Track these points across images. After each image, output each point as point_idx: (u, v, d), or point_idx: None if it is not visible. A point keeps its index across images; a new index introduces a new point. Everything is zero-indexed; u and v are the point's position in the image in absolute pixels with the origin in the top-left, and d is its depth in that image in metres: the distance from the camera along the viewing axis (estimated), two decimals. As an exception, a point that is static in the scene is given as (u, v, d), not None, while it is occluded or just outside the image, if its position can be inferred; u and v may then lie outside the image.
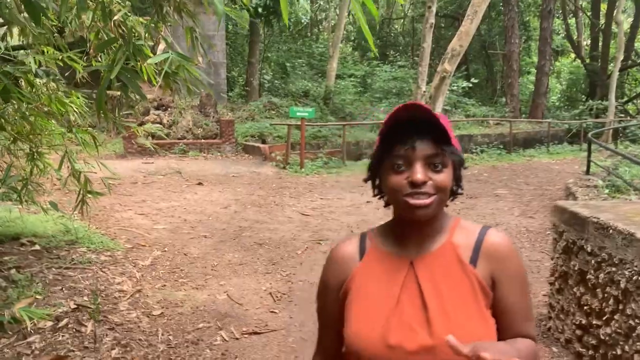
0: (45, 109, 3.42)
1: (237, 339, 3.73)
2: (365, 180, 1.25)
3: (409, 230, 1.18)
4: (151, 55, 2.69)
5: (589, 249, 3.23)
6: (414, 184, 1.08)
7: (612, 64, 22.60)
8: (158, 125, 12.99)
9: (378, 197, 1.25)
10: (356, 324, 1.14)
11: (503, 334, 1.15)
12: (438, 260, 1.15)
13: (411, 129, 1.10)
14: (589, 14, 27.01)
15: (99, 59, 3.35)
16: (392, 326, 1.09)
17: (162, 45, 2.29)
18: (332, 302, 1.23)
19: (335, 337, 1.23)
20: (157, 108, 14.04)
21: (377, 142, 1.17)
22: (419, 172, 1.08)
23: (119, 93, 3.80)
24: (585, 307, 3.28)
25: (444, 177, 1.11)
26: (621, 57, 20.43)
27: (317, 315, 1.33)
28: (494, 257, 1.16)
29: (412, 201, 1.09)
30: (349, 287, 1.20)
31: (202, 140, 13.86)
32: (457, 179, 1.20)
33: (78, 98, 3.52)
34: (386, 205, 1.24)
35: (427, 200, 1.09)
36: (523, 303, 1.18)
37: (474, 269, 1.14)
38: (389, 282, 1.15)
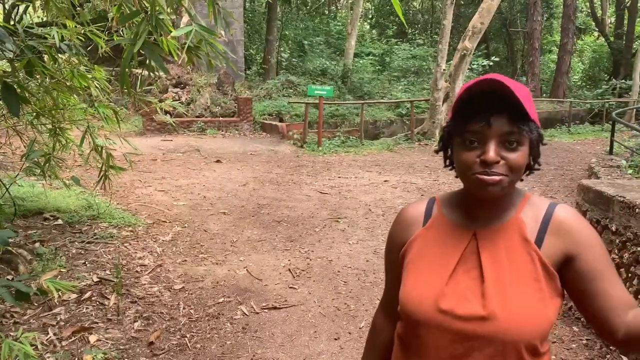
0: (68, 84, 3.43)
1: (257, 313, 3.77)
2: (437, 152, 1.24)
3: (476, 203, 1.15)
4: (172, 29, 2.68)
5: (613, 228, 3.19)
6: (485, 163, 1.05)
7: (637, 43, 22.05)
8: (177, 102, 13.02)
9: (450, 168, 1.22)
10: (410, 286, 1.14)
11: (602, 300, 1.07)
12: (502, 235, 1.12)
13: (487, 103, 1.06)
14: (614, -10, 26.28)
15: (121, 34, 3.35)
16: (447, 292, 1.08)
17: (185, 18, 2.28)
18: (395, 260, 1.25)
19: (396, 289, 1.24)
20: (175, 86, 14.06)
21: (450, 115, 1.14)
22: (491, 151, 1.04)
23: (139, 70, 3.80)
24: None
25: (519, 156, 1.06)
26: (647, 35, 19.89)
27: (384, 265, 1.35)
28: (565, 233, 1.11)
29: (482, 177, 1.05)
30: (408, 248, 1.20)
31: (220, 118, 13.88)
32: (535, 156, 1.15)
33: (100, 73, 3.53)
34: (457, 176, 1.20)
35: (497, 177, 1.05)
36: (611, 268, 1.11)
37: (538, 248, 1.10)
38: (449, 250, 1.14)
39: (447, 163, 1.23)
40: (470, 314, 1.05)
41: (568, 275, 1.10)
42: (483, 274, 1.08)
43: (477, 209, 1.15)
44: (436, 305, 1.08)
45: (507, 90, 1.03)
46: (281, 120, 14.59)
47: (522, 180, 1.15)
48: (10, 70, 2.77)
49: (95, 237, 4.98)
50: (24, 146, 4.37)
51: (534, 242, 1.10)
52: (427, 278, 1.13)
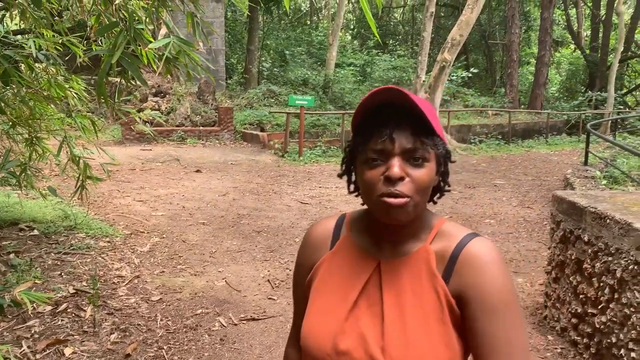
0: (45, 94, 3.41)
1: (235, 324, 3.76)
2: (340, 176, 1.12)
3: (382, 229, 1.05)
4: (152, 40, 2.68)
5: (586, 239, 3.25)
6: (389, 179, 0.95)
7: (612, 55, 22.57)
8: (156, 112, 12.95)
9: (355, 194, 1.11)
10: (311, 320, 1.04)
11: (481, 341, 0.94)
12: (408, 267, 1.01)
13: (387, 117, 0.97)
14: (589, 4, 26.90)
15: (99, 43, 3.34)
16: (346, 330, 0.99)
17: (163, 30, 2.29)
18: (302, 286, 1.14)
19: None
20: (155, 95, 13.99)
21: (352, 134, 1.05)
22: (395, 166, 0.95)
23: (118, 79, 3.79)
24: (581, 296, 3.31)
25: (424, 173, 0.97)
26: (621, 49, 20.40)
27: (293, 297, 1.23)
28: (466, 271, 0.98)
29: (387, 199, 0.95)
30: (314, 274, 1.10)
31: (201, 128, 13.84)
32: (443, 174, 1.07)
33: (78, 83, 3.51)
34: (363, 203, 1.09)
35: (403, 200, 0.94)
36: (507, 336, 0.93)
37: (444, 283, 0.98)
38: (352, 280, 1.04)
39: (352, 189, 1.12)
40: (367, 358, 0.95)
41: (463, 314, 0.98)
42: (383, 312, 0.98)
43: (383, 234, 1.06)
44: (334, 345, 0.98)
45: (408, 100, 0.95)
46: (262, 130, 14.60)
47: (435, 203, 1.09)
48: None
49: (71, 248, 4.92)
50: (0, 156, 4.32)
51: (441, 276, 0.99)
52: (329, 312, 1.02)
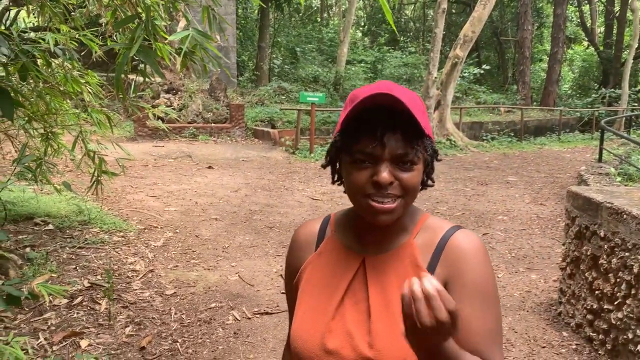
0: (61, 89, 3.44)
1: (249, 318, 3.78)
2: (324, 167, 1.11)
3: (366, 227, 1.05)
4: (167, 35, 2.69)
5: (602, 234, 3.23)
6: (378, 185, 0.94)
7: (626, 52, 22.32)
8: (170, 108, 13.04)
9: (337, 183, 1.10)
10: (299, 322, 1.04)
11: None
12: (392, 262, 1.02)
13: (378, 120, 0.94)
14: (603, 1, 26.63)
15: (114, 38, 3.36)
16: (333, 329, 0.99)
17: (182, 23, 2.30)
18: (291, 289, 1.14)
19: None
20: (167, 92, 14.05)
21: (338, 128, 1.02)
22: (384, 172, 0.93)
23: (133, 76, 3.81)
24: (596, 292, 3.29)
25: (413, 176, 0.96)
26: (636, 45, 20.18)
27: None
28: (451, 260, 0.99)
29: (375, 205, 0.95)
30: (301, 276, 1.10)
31: (212, 125, 13.88)
32: (429, 173, 1.06)
33: (94, 78, 3.54)
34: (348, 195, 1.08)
35: (392, 205, 0.95)
36: (483, 320, 0.96)
37: (431, 275, 0.97)
38: (337, 279, 1.04)
39: (336, 178, 1.10)
40: (356, 356, 0.95)
41: None
42: (370, 308, 0.98)
43: (367, 232, 1.06)
44: (322, 345, 0.98)
45: (402, 107, 0.92)
46: (273, 127, 14.62)
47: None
48: (2, 74, 2.78)
49: (86, 242, 4.96)
50: (15, 151, 4.36)
51: (426, 268, 1.00)
52: (316, 312, 1.02)
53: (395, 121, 0.94)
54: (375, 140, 0.93)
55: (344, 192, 1.05)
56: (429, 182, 1.08)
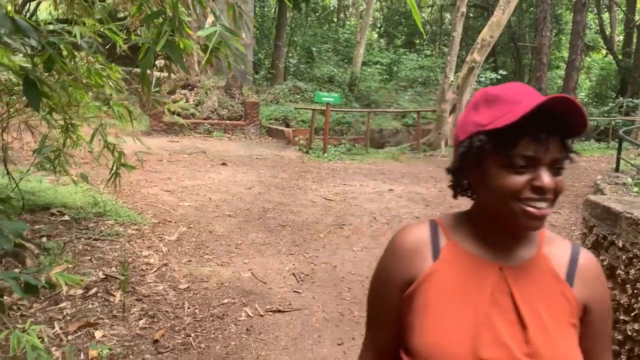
0: (84, 81, 3.47)
1: (261, 315, 3.79)
2: (449, 171, 1.06)
3: (500, 234, 1.01)
4: (190, 31, 2.71)
5: (620, 245, 3.20)
6: (540, 190, 0.93)
7: (645, 61, 22.07)
8: (188, 104, 13.13)
9: (460, 193, 1.07)
10: (439, 337, 0.97)
11: None
12: (532, 272, 1.00)
13: (545, 123, 0.93)
14: (623, 9, 26.35)
15: (139, 32, 3.39)
16: (485, 342, 0.94)
17: (210, 19, 2.31)
18: (393, 298, 1.06)
19: (390, 336, 1.09)
20: (183, 87, 14.13)
21: (479, 124, 0.97)
22: (547, 177, 0.93)
23: (156, 72, 3.84)
24: (613, 303, 3.26)
25: (562, 181, 0.97)
26: (655, 55, 19.93)
27: (368, 309, 1.15)
28: (590, 282, 1.02)
29: (532, 210, 0.93)
30: (420, 288, 1.02)
31: (227, 121, 13.93)
32: None
33: (117, 72, 3.57)
34: (455, 196, 1.08)
35: (549, 210, 0.94)
36: (608, 333, 1.05)
37: (571, 288, 1.01)
38: (475, 289, 0.99)
39: (464, 186, 1.06)
40: None
41: (582, 318, 1.03)
42: (522, 319, 0.96)
43: (501, 240, 1.02)
44: (475, 356, 0.94)
45: (577, 112, 0.92)
46: (287, 126, 14.65)
47: None
48: (28, 65, 2.81)
49: (101, 234, 5.00)
50: (35, 141, 4.41)
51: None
52: (456, 325, 0.97)
53: (556, 125, 0.94)
54: (543, 145, 0.92)
55: (471, 197, 1.05)
56: None
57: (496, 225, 1.00)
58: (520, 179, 0.93)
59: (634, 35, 24.56)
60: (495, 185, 0.95)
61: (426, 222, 1.10)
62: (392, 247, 1.08)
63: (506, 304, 0.97)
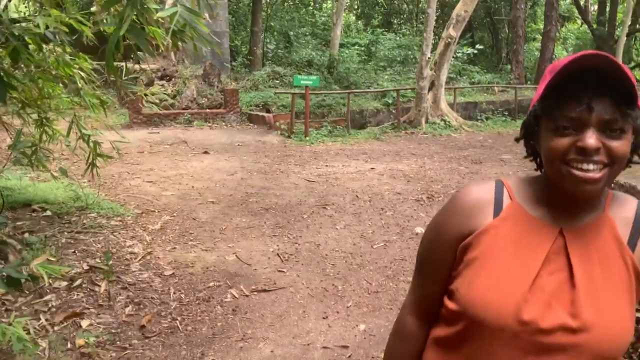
0: (53, 73, 3.46)
1: (246, 296, 3.85)
2: (517, 140, 1.09)
3: (562, 196, 1.00)
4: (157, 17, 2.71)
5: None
6: (583, 151, 0.90)
7: (619, 29, 22.28)
8: (164, 93, 13.02)
9: (531, 159, 1.08)
10: (485, 290, 0.97)
11: None
12: (592, 234, 0.98)
13: (586, 83, 0.90)
14: (596, -23, 26.51)
15: (105, 21, 3.37)
16: (529, 299, 0.94)
17: (170, 1, 2.32)
18: (446, 252, 1.07)
19: (436, 289, 1.10)
20: (161, 78, 14.01)
21: (539, 94, 0.98)
22: (590, 138, 0.89)
23: (123, 63, 3.82)
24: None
25: (622, 144, 0.91)
26: (629, 22, 20.11)
27: (418, 257, 1.16)
28: None
29: (578, 173, 0.91)
30: (476, 242, 1.02)
31: (207, 110, 13.86)
32: (637, 146, 0.98)
33: (86, 61, 3.56)
34: (538, 168, 1.08)
35: (598, 175, 0.90)
36: None
37: (631, 252, 0.98)
38: (531, 248, 0.98)
39: (529, 153, 1.08)
40: (555, 325, 0.93)
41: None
42: (574, 279, 0.95)
43: (562, 202, 1.00)
44: (516, 315, 0.93)
45: (614, 66, 0.88)
46: (268, 111, 14.60)
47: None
48: (-5, 58, 2.80)
49: (84, 227, 5.01)
50: (10, 138, 4.39)
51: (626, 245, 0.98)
52: (506, 281, 0.96)
53: (603, 85, 0.90)
54: (583, 104, 0.90)
55: (535, 168, 1.06)
56: (634, 158, 1.00)
57: (559, 190, 0.99)
58: (564, 141, 0.92)
59: (607, 4, 24.74)
60: (545, 149, 0.97)
61: (492, 181, 1.10)
62: (453, 204, 1.09)
63: (560, 263, 0.97)
